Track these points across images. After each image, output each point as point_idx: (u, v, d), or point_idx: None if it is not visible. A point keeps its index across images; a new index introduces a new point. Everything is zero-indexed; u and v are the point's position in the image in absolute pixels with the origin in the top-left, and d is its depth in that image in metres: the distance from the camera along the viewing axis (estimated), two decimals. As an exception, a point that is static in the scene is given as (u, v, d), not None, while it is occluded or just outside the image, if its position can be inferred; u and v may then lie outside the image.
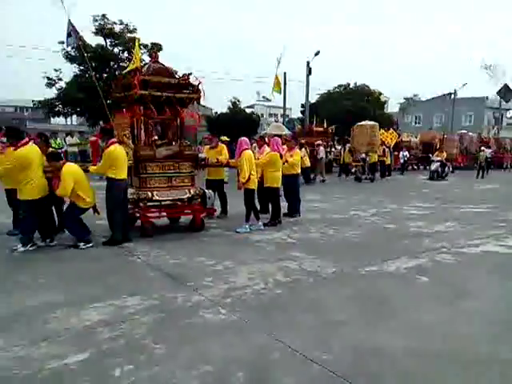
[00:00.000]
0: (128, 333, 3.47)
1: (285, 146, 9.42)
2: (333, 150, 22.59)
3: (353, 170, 19.17)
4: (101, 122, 22.20)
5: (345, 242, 6.89)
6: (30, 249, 5.83)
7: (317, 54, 24.10)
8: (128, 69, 7.31)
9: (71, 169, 6.07)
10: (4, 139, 6.54)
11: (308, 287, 4.73)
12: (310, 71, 24.23)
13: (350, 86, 37.57)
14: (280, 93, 21.53)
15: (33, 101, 22.81)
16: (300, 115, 38.38)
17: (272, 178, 8.17)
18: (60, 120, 37.63)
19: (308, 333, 3.56)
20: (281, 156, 8.25)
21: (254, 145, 10.52)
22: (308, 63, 24.36)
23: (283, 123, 25.14)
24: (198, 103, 7.39)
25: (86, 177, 6.33)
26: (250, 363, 3.04)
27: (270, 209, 8.41)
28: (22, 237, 5.88)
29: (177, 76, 7.20)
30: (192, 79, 7.19)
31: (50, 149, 6.99)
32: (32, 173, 5.76)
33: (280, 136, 11.83)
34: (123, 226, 6.48)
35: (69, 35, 10.01)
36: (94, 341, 3.32)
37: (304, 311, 4.02)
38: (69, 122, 46.07)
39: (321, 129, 21.39)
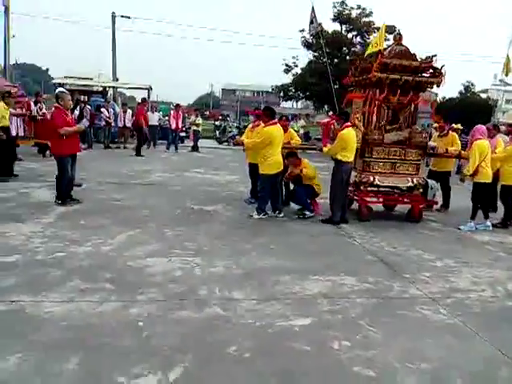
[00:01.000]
0: (345, 310, 3.64)
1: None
2: None
3: None
4: (325, 106, 23.30)
5: None
6: (263, 217, 6.62)
7: None
8: (368, 51, 7.34)
9: (307, 162, 7.20)
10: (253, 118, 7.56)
11: (551, 306, 4.02)
12: None
13: None
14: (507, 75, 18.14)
15: (271, 86, 25.63)
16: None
17: (509, 174, 7.11)
18: (287, 104, 40.87)
19: (548, 358, 3.06)
20: None
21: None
22: None
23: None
24: (438, 87, 6.93)
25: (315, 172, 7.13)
26: (472, 373, 2.82)
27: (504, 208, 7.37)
28: (258, 206, 6.73)
29: (418, 58, 6.90)
30: (434, 62, 6.79)
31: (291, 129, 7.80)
32: (272, 149, 6.47)
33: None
34: (343, 207, 6.72)
35: (311, 22, 10.67)
36: (315, 310, 3.60)
37: (544, 333, 3.46)
38: (294, 106, 49.53)
39: None
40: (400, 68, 6.72)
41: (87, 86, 18.74)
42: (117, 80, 23.24)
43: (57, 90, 8.54)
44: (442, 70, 6.82)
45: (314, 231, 6.20)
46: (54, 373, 2.56)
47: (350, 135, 6.48)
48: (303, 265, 4.67)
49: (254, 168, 7.19)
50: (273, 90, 25.84)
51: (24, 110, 11.14)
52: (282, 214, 6.80)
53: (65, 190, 6.64)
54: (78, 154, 7.16)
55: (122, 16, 23.77)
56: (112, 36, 23.63)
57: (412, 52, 6.97)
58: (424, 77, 6.90)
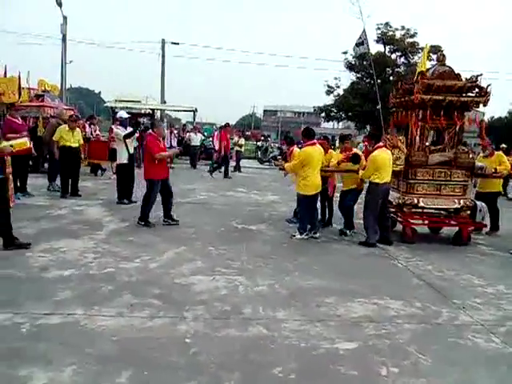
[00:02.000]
0: (392, 335, 3.56)
1: None
2: None
3: None
4: (367, 126, 23.13)
5: None
6: (305, 237, 6.62)
7: None
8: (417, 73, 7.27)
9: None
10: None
11: None
12: None
13: None
14: None
15: (313, 107, 25.86)
16: None
17: None
18: (328, 124, 40.87)
19: None
20: None
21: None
22: None
23: None
24: (485, 106, 6.78)
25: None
26: (530, 408, 2.68)
27: None
28: (299, 226, 6.73)
29: (463, 78, 6.79)
30: (480, 81, 6.66)
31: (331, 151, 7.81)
32: (310, 170, 6.46)
33: None
34: (386, 228, 6.59)
35: (361, 43, 10.75)
36: (360, 334, 3.55)
37: None
38: (335, 126, 49.31)
39: None
40: (444, 88, 6.63)
41: (136, 109, 19.59)
42: (164, 102, 24.18)
43: (118, 114, 9.04)
44: (488, 89, 6.66)
45: (357, 252, 6.13)
46: (107, 385, 2.67)
47: (382, 156, 6.37)
48: (347, 286, 4.62)
49: None
50: (315, 110, 26.06)
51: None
52: (317, 235, 6.72)
53: (148, 213, 6.84)
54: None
55: (173, 43, 24.88)
56: (162, 60, 24.74)
57: (456, 72, 6.87)
58: (469, 96, 6.77)
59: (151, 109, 20.37)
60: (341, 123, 42.99)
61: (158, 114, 22.32)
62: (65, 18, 20.62)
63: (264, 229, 7.21)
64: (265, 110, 77.05)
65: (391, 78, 21.33)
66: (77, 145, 9.08)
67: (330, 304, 4.12)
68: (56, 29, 20.94)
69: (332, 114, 24.27)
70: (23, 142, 5.69)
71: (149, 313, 3.69)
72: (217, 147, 16.31)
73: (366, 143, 7.09)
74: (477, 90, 6.75)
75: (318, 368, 3.00)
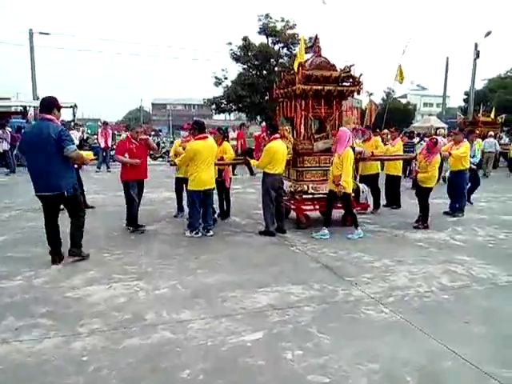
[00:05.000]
0: (294, 319, 3.68)
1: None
2: (501, 142, 20.09)
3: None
4: (258, 117, 23.64)
5: (521, 249, 6.12)
6: (195, 236, 6.41)
7: (488, 34, 21.43)
8: (296, 64, 7.51)
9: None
10: (185, 133, 7.43)
11: (479, 295, 4.36)
12: (478, 55, 21.73)
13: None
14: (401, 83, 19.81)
15: (203, 99, 25.55)
16: (461, 104, 34.95)
17: (430, 177, 7.64)
18: (220, 116, 40.98)
19: (481, 344, 3.31)
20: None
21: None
22: (476, 45, 21.89)
23: (440, 113, 23.27)
24: (358, 94, 7.32)
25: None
26: (419, 367, 2.97)
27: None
28: (188, 223, 6.61)
29: (338, 69, 7.23)
30: (353, 71, 7.16)
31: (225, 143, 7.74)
32: (195, 165, 6.26)
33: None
34: (280, 218, 6.79)
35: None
36: (266, 323, 3.61)
37: (475, 320, 3.73)
38: (227, 118, 49.71)
39: (488, 119, 19.19)
40: (322, 79, 7.02)
41: (5, 107, 17.55)
42: (37, 99, 22.05)
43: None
44: (360, 79, 7.21)
45: (257, 243, 6.23)
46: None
47: (276, 147, 6.51)
48: (250, 278, 4.67)
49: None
50: (204, 103, 25.82)
51: None
52: (211, 233, 6.53)
53: (134, 217, 6.75)
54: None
55: (41, 33, 22.63)
56: (30, 54, 22.43)
57: (331, 63, 7.30)
58: (344, 86, 7.25)
59: (23, 106, 18.43)
60: (232, 114, 43.42)
61: (31, 112, 20.29)
62: None
63: (161, 228, 6.98)
64: (153, 104, 74.76)
65: (276, 68, 22.03)
66: None
67: (235, 297, 4.13)
68: None
69: (222, 105, 24.33)
70: (89, 154, 6.62)
71: (38, 334, 3.33)
72: (102, 145, 15.39)
73: (263, 134, 7.20)
74: (351, 79, 7.26)
75: (227, 363, 2.98)
